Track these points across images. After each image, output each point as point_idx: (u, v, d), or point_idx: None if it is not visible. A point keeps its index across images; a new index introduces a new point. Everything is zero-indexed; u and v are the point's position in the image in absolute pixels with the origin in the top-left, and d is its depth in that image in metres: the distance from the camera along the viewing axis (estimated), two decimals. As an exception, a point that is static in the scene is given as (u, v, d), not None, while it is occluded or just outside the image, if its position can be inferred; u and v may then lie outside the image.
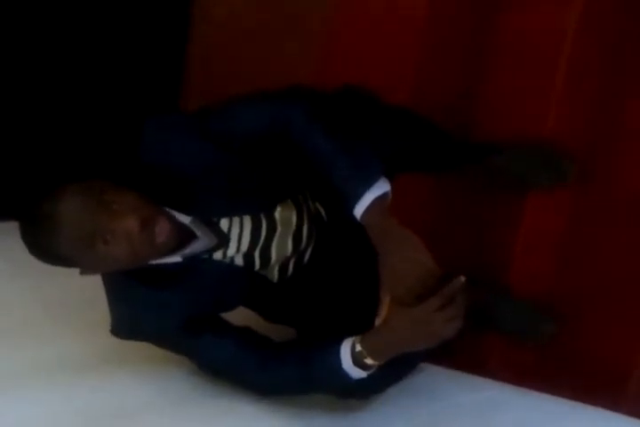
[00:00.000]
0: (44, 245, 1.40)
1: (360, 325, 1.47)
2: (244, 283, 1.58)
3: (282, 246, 1.57)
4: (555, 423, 1.66)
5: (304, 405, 1.62)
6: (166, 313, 1.51)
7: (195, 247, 1.51)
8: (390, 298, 1.41)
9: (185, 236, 1.50)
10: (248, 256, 1.56)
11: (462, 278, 1.38)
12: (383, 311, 1.43)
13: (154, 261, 1.50)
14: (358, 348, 1.43)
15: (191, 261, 1.52)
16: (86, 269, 1.47)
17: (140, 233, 1.39)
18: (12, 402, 1.57)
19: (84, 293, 1.76)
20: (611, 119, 1.75)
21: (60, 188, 1.41)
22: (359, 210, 1.40)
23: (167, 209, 1.47)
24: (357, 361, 1.44)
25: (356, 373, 1.45)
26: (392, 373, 1.55)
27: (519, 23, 1.84)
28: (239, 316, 1.63)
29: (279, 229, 1.56)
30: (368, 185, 1.40)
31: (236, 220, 1.53)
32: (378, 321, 1.44)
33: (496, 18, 1.87)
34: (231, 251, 1.54)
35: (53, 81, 2.36)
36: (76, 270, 1.47)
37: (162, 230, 1.42)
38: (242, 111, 1.50)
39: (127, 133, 1.55)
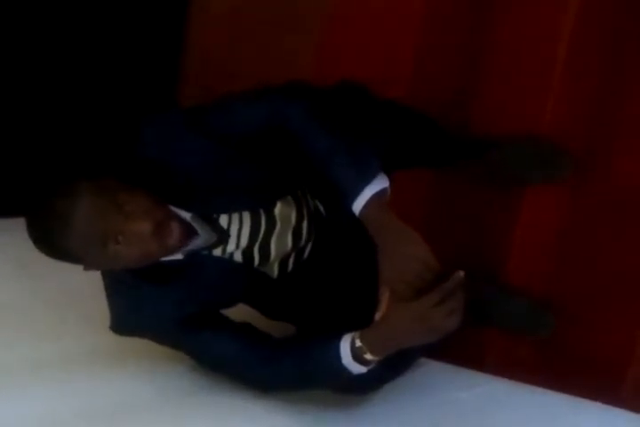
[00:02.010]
0: (55, 242, 1.39)
1: (360, 320, 1.47)
2: (244, 279, 1.58)
3: (281, 243, 1.58)
4: (553, 418, 1.66)
5: (304, 402, 1.62)
6: (166, 309, 1.52)
7: (195, 244, 1.51)
8: (390, 293, 1.42)
9: (188, 232, 1.49)
10: (247, 252, 1.56)
11: (461, 273, 1.38)
12: (383, 306, 1.43)
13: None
14: (358, 343, 1.43)
15: (191, 257, 1.52)
16: (92, 267, 1.47)
17: (152, 235, 1.39)
18: (11, 400, 1.56)
19: (84, 289, 1.76)
20: (609, 116, 1.75)
21: (73, 185, 1.40)
22: (358, 206, 1.40)
23: (172, 207, 1.47)
24: (357, 356, 1.44)
25: (356, 368, 1.45)
26: (391, 368, 1.56)
27: (517, 20, 1.85)
28: (239, 313, 1.63)
29: (278, 225, 1.56)
30: (367, 181, 1.40)
31: (235, 216, 1.53)
32: (377, 316, 1.44)
33: (493, 15, 1.87)
34: (230, 247, 1.54)
35: (50, 79, 2.35)
36: (75, 267, 1.47)
37: (174, 233, 1.42)
38: (240, 107, 1.50)
39: (125, 130, 1.55)
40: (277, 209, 1.56)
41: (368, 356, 1.43)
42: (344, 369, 1.45)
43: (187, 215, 1.49)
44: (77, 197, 1.37)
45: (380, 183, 1.41)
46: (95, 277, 1.56)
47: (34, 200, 1.42)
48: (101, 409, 1.57)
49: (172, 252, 1.48)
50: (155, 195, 1.44)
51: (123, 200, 1.38)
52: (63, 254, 1.42)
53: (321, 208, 1.65)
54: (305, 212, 1.61)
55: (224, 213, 1.52)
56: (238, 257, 1.56)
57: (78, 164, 2.18)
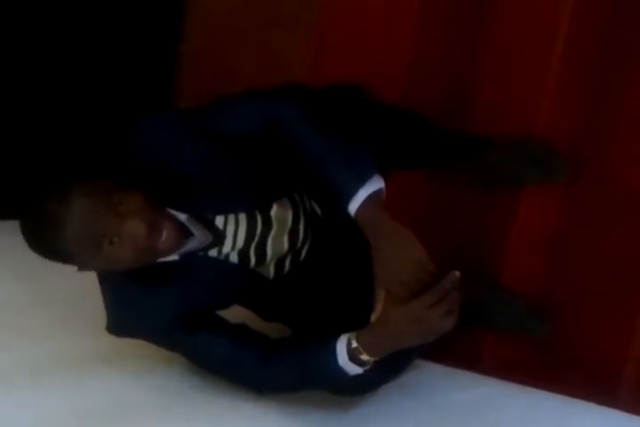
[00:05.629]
0: (49, 243, 1.39)
1: (356, 321, 1.47)
2: (240, 280, 1.59)
3: (277, 244, 1.58)
4: (550, 419, 1.66)
5: (300, 402, 1.62)
6: (162, 311, 1.52)
7: (191, 245, 1.51)
8: (385, 294, 1.42)
9: (182, 234, 1.50)
10: (243, 253, 1.56)
11: (457, 273, 1.38)
12: (378, 307, 1.43)
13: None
14: (354, 344, 1.43)
15: (186, 258, 1.52)
16: (86, 267, 1.47)
17: (146, 236, 1.39)
18: (8, 401, 1.57)
19: (80, 290, 1.76)
20: (606, 117, 1.75)
21: (67, 186, 1.40)
22: (353, 207, 1.40)
23: (167, 209, 1.47)
24: (353, 357, 1.44)
25: (353, 369, 1.45)
26: (388, 369, 1.56)
27: (513, 20, 1.84)
28: (235, 314, 1.63)
29: (275, 226, 1.57)
30: (362, 182, 1.41)
31: (231, 217, 1.53)
32: (373, 317, 1.44)
33: (489, 14, 1.87)
34: (226, 248, 1.54)
35: (47, 82, 2.36)
36: (73, 268, 1.47)
37: (168, 234, 1.42)
38: (234, 110, 1.51)
39: (121, 132, 1.55)
40: (274, 211, 1.56)
41: (364, 357, 1.44)
42: (340, 370, 1.45)
43: (182, 216, 1.49)
44: (71, 198, 1.37)
45: (374, 184, 1.41)
46: (92, 278, 1.56)
47: (28, 203, 1.42)
48: (98, 410, 1.57)
49: (167, 253, 1.48)
50: (149, 196, 1.44)
51: (117, 201, 1.39)
52: (57, 255, 1.42)
53: (317, 210, 1.65)
54: (302, 214, 1.61)
55: (220, 214, 1.52)
56: (234, 258, 1.56)
57: (76, 166, 2.19)
